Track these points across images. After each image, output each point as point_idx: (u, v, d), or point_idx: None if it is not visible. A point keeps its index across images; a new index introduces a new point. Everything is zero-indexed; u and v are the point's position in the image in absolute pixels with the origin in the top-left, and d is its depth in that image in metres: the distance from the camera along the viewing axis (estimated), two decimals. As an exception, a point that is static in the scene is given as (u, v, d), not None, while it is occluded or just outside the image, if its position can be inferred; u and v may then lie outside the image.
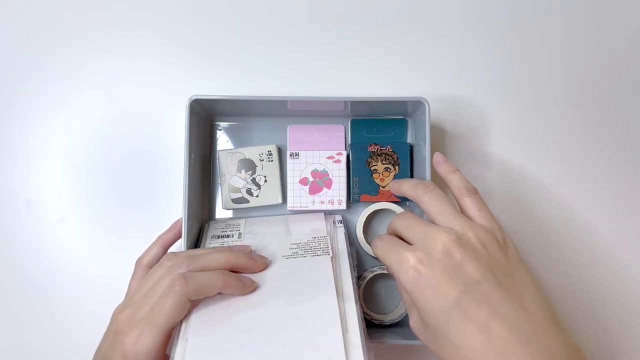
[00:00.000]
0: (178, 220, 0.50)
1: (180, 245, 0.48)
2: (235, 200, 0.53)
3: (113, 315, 0.41)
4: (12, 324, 0.54)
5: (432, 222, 0.40)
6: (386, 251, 0.40)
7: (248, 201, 0.53)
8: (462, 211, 0.41)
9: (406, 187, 0.44)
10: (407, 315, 0.45)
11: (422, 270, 0.35)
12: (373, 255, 0.46)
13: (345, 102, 0.50)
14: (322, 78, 0.57)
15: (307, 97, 0.49)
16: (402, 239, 0.41)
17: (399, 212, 0.52)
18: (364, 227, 0.52)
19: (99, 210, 0.55)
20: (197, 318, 0.39)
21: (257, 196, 0.53)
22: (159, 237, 0.49)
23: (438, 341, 0.36)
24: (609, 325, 0.55)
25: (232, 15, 0.57)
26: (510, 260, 0.37)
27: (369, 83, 0.57)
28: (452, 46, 0.57)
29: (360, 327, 0.38)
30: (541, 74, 0.57)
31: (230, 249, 0.45)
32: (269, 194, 0.53)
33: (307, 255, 0.45)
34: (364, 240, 0.52)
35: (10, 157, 0.56)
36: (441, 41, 0.57)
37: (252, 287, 0.41)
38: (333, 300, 0.39)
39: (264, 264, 0.44)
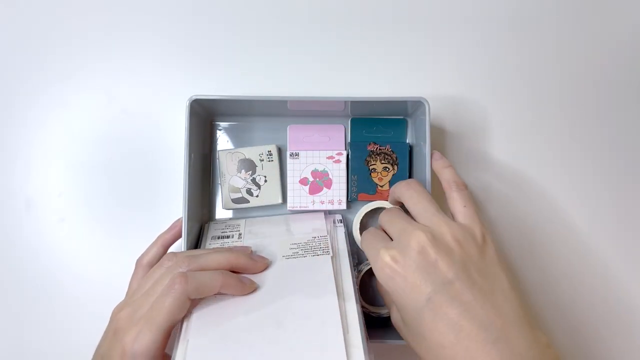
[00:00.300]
0: (178, 219, 0.50)
1: (180, 245, 0.48)
2: (235, 200, 0.53)
3: (113, 314, 0.41)
4: (12, 324, 0.54)
5: (413, 219, 0.40)
6: (367, 245, 0.41)
7: (248, 201, 0.53)
8: (449, 205, 0.41)
9: (393, 188, 0.45)
10: None
11: (396, 268, 0.36)
12: None
13: (345, 102, 0.50)
14: (322, 78, 0.57)
15: (307, 97, 0.49)
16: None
17: None
18: (361, 225, 0.52)
19: (99, 210, 0.55)
20: (198, 319, 0.39)
21: (257, 196, 0.53)
22: (159, 237, 0.50)
23: (413, 337, 0.37)
24: (613, 328, 0.55)
25: (232, 15, 0.57)
26: (486, 259, 0.37)
27: (369, 83, 0.57)
28: (452, 46, 0.57)
29: (360, 327, 0.38)
30: (541, 74, 0.57)
31: (231, 249, 0.45)
32: (269, 194, 0.53)
33: (307, 255, 0.45)
34: (359, 238, 0.51)
35: (10, 157, 0.56)
36: (441, 41, 0.57)
37: (252, 288, 0.41)
38: (333, 300, 0.39)
39: (265, 265, 0.44)
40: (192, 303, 0.39)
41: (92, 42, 0.57)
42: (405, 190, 0.42)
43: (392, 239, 0.40)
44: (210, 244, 0.49)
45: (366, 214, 0.52)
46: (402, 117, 0.55)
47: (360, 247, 0.52)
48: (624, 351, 0.55)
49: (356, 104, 0.50)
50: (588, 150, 0.57)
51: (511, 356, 0.33)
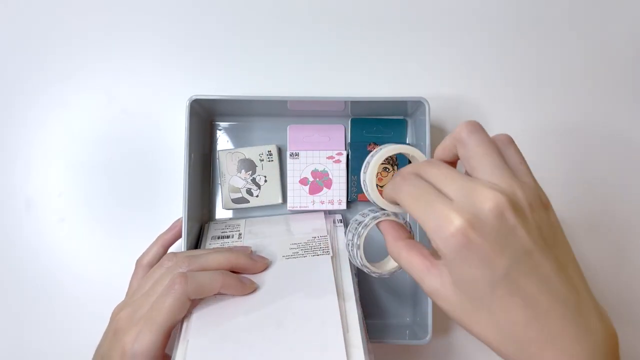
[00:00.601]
0: (178, 219, 0.50)
1: (180, 245, 0.48)
2: (235, 200, 0.53)
3: (113, 314, 0.41)
4: (12, 324, 0.54)
5: (469, 171, 0.34)
6: (418, 201, 0.32)
7: (248, 201, 0.53)
8: None
9: (458, 133, 0.34)
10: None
11: (472, 237, 0.29)
12: (381, 209, 0.40)
13: (345, 102, 0.50)
14: (322, 78, 0.57)
15: (307, 97, 0.49)
16: None
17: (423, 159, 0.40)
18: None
19: (99, 210, 0.55)
20: (198, 319, 0.39)
21: (257, 196, 0.53)
22: (159, 237, 0.50)
23: (474, 312, 0.31)
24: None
25: (232, 15, 0.57)
26: (554, 225, 0.33)
27: (369, 83, 0.57)
28: (452, 46, 0.57)
29: (360, 327, 0.38)
30: (541, 74, 0.57)
31: (231, 249, 0.45)
32: (269, 194, 0.53)
33: (307, 255, 0.45)
34: (375, 189, 0.39)
35: (10, 157, 0.56)
36: (441, 41, 0.57)
37: (252, 288, 0.41)
38: (333, 300, 0.39)
39: (265, 265, 0.44)
40: (192, 303, 0.39)
41: (92, 42, 0.57)
42: (470, 136, 0.33)
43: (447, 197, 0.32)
44: (210, 244, 0.49)
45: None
46: (402, 117, 0.55)
47: (372, 199, 0.40)
48: None
49: (356, 104, 0.50)
50: (588, 151, 0.57)
51: (586, 333, 0.30)
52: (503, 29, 0.58)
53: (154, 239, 0.50)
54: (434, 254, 0.34)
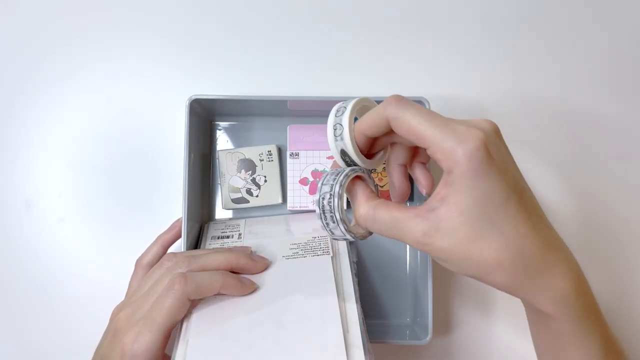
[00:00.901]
0: (178, 219, 0.50)
1: (180, 245, 0.48)
2: (235, 200, 0.53)
3: (113, 314, 0.41)
4: (12, 324, 0.54)
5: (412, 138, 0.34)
6: (431, 121, 0.32)
7: (248, 201, 0.53)
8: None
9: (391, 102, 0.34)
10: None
11: (492, 151, 0.31)
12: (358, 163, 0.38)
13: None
14: (322, 78, 0.57)
15: (307, 97, 0.49)
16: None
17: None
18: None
19: (99, 210, 0.55)
20: (198, 319, 0.39)
21: (257, 196, 0.53)
22: (158, 237, 0.50)
23: (482, 237, 0.32)
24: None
25: (232, 15, 0.57)
26: None
27: (369, 83, 0.57)
28: (452, 46, 0.57)
29: (361, 327, 0.38)
30: (541, 74, 0.57)
31: (231, 249, 0.45)
32: (269, 194, 0.53)
33: (308, 255, 0.45)
34: (351, 129, 0.37)
35: (10, 157, 0.56)
36: (441, 41, 0.57)
37: (252, 288, 0.41)
38: (334, 300, 0.39)
39: (265, 265, 0.44)
40: (192, 303, 0.39)
41: (92, 42, 0.57)
42: (405, 112, 0.33)
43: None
44: (210, 244, 0.49)
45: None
46: (402, 117, 0.54)
47: (357, 155, 0.38)
48: None
49: (356, 104, 0.50)
50: (588, 151, 0.57)
51: (564, 243, 0.35)
52: (504, 28, 0.58)
53: (154, 239, 0.50)
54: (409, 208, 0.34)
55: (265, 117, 0.55)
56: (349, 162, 0.38)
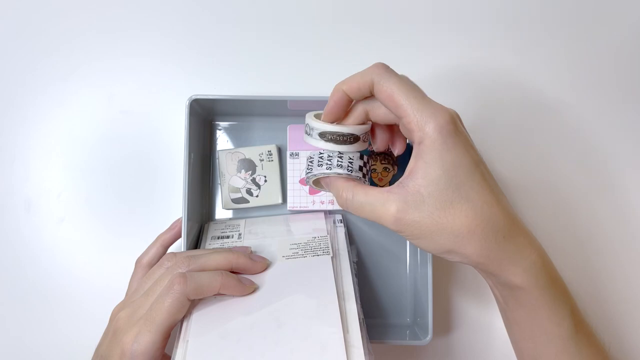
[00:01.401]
0: (178, 219, 0.50)
1: (180, 245, 0.48)
2: (235, 201, 0.53)
3: (112, 314, 0.41)
4: (12, 324, 0.54)
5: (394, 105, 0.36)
6: (411, 92, 0.35)
7: (248, 201, 0.53)
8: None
9: (372, 72, 0.37)
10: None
11: (459, 126, 0.35)
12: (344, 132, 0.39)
13: (345, 102, 0.50)
14: (322, 78, 0.57)
15: (307, 97, 0.49)
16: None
17: None
18: None
19: (98, 210, 0.55)
20: (198, 319, 0.39)
21: (257, 196, 0.53)
22: (158, 237, 0.50)
23: (451, 205, 0.34)
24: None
25: (232, 15, 0.57)
26: None
27: (369, 83, 0.57)
28: (452, 46, 0.57)
29: (361, 327, 0.38)
30: (541, 73, 0.57)
31: (231, 250, 0.45)
32: (269, 194, 0.53)
33: (307, 255, 0.45)
34: (311, 116, 0.41)
35: (10, 157, 0.56)
36: (441, 41, 0.57)
37: (252, 289, 0.41)
38: (334, 300, 0.39)
39: (264, 265, 0.44)
40: (192, 304, 0.39)
41: (92, 42, 0.57)
42: (389, 77, 0.36)
43: None
44: (210, 244, 0.49)
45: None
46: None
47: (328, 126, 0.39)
48: None
49: (356, 103, 0.50)
50: (588, 150, 0.57)
51: (518, 216, 0.37)
52: (503, 28, 0.58)
53: (154, 239, 0.50)
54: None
55: (265, 117, 0.55)
56: (333, 138, 0.39)
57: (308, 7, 0.57)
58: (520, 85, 0.57)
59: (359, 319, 0.38)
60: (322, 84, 0.57)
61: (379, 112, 0.39)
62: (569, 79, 0.57)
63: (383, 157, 0.52)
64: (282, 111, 0.53)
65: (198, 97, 0.48)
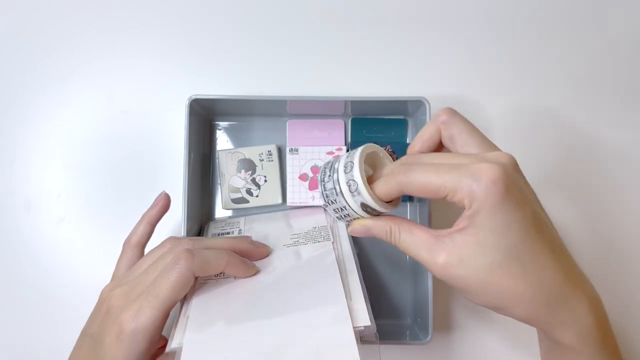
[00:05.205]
0: (161, 194, 0.47)
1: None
2: (235, 200, 0.53)
3: (103, 293, 0.40)
4: (12, 324, 0.54)
5: (453, 147, 0.37)
6: (440, 169, 0.33)
7: (248, 201, 0.53)
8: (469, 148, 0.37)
9: (442, 115, 0.38)
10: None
11: (508, 184, 0.32)
12: (377, 210, 0.38)
13: (345, 102, 0.50)
14: (322, 78, 0.57)
15: (307, 97, 0.50)
16: None
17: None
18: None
19: (98, 210, 0.55)
20: (199, 296, 0.39)
21: (257, 196, 0.53)
22: (144, 215, 0.47)
23: (500, 267, 0.32)
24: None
25: (232, 15, 0.57)
26: None
27: (369, 83, 0.57)
28: (452, 46, 0.57)
29: (365, 295, 0.38)
30: (541, 73, 0.57)
31: (234, 236, 0.45)
32: (269, 194, 0.53)
33: (309, 242, 0.46)
34: (368, 187, 0.36)
35: (10, 157, 0.56)
36: (441, 41, 0.57)
37: (255, 271, 0.41)
38: (335, 272, 0.40)
39: (266, 251, 0.44)
40: (195, 282, 0.39)
41: (92, 42, 0.57)
42: (454, 117, 0.37)
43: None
44: None
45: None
46: (402, 117, 0.55)
47: (372, 200, 0.37)
48: None
49: (356, 104, 0.50)
50: (588, 150, 0.57)
51: (580, 270, 0.35)
52: (504, 28, 0.58)
53: (139, 218, 0.47)
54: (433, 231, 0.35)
55: (265, 117, 0.55)
56: (371, 212, 0.38)
57: (309, 8, 0.57)
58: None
59: (363, 290, 0.38)
60: (323, 84, 0.57)
61: (414, 189, 0.35)
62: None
63: (383, 157, 0.52)
64: (282, 111, 0.53)
65: (198, 97, 0.48)
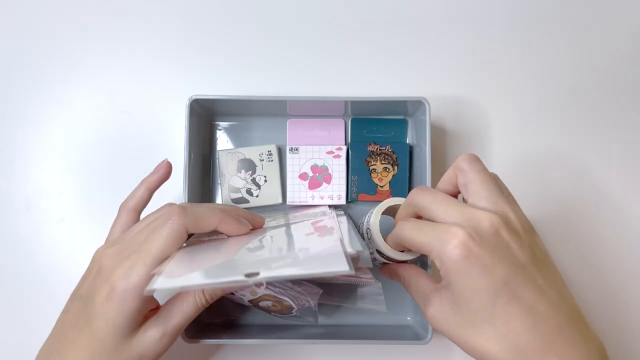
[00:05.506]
0: (163, 161, 0.46)
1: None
2: (235, 201, 0.53)
3: (94, 255, 0.39)
4: (12, 324, 0.54)
5: (465, 196, 0.37)
6: (421, 230, 0.36)
7: (248, 201, 0.53)
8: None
9: (459, 163, 0.38)
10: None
11: (472, 248, 0.32)
12: (391, 257, 0.42)
13: (346, 102, 0.50)
14: (322, 78, 0.57)
15: (307, 97, 0.50)
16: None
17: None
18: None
19: (98, 210, 0.55)
20: (187, 247, 0.39)
21: (257, 196, 0.53)
22: (143, 180, 0.46)
23: (472, 327, 0.33)
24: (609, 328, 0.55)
25: (232, 16, 0.57)
26: (541, 247, 0.36)
27: (369, 83, 0.57)
28: (452, 46, 0.57)
29: (357, 234, 0.40)
30: (542, 73, 0.57)
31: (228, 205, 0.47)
32: (269, 194, 0.53)
33: (310, 219, 0.47)
34: (380, 235, 0.42)
35: (10, 157, 0.56)
36: (441, 41, 0.57)
37: (248, 229, 0.41)
38: (331, 217, 0.42)
39: (261, 221, 0.44)
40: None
41: (92, 42, 0.57)
42: (470, 165, 0.37)
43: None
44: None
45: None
46: (402, 117, 0.55)
47: (382, 250, 0.42)
48: None
49: (356, 104, 0.51)
50: (589, 150, 0.57)
51: (580, 339, 0.33)
52: (504, 28, 0.58)
53: (139, 183, 0.46)
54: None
55: (265, 117, 0.55)
56: (386, 258, 0.43)
57: (309, 8, 0.58)
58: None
59: (356, 234, 0.40)
60: (323, 84, 0.57)
61: (405, 244, 0.39)
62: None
63: (383, 157, 0.53)
64: (282, 111, 0.53)
65: (198, 97, 0.48)
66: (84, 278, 0.39)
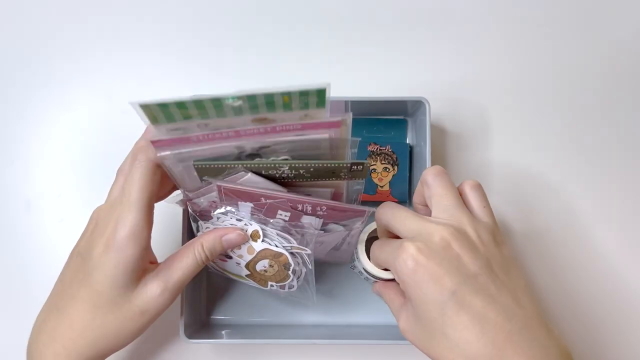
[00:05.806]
0: None
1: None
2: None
3: (93, 214, 0.40)
4: (12, 325, 0.54)
5: (430, 209, 0.38)
6: (381, 247, 0.39)
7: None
8: (465, 203, 0.39)
9: (424, 176, 0.39)
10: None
11: (420, 260, 0.34)
12: (376, 275, 0.43)
13: (345, 102, 0.50)
14: (322, 78, 0.57)
15: (307, 97, 0.49)
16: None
17: None
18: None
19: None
20: None
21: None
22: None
23: (431, 338, 0.35)
24: (602, 331, 0.55)
25: (233, 16, 0.57)
26: (505, 258, 0.37)
27: (369, 83, 0.57)
28: (453, 46, 0.57)
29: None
30: (542, 73, 0.57)
31: None
32: (269, 194, 0.53)
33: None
34: (368, 263, 0.44)
35: (9, 158, 0.56)
36: (441, 41, 0.57)
37: None
38: None
39: None
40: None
41: (93, 42, 0.57)
42: (434, 179, 0.38)
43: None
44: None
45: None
46: (402, 117, 0.55)
47: (368, 266, 0.43)
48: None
49: (356, 103, 0.50)
50: (589, 150, 0.57)
51: (536, 346, 0.33)
52: (504, 28, 0.58)
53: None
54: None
55: (265, 117, 0.55)
56: (372, 276, 0.44)
57: (309, 8, 0.57)
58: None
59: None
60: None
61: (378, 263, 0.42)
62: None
63: (383, 157, 0.53)
64: (282, 111, 0.53)
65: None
66: (82, 236, 0.40)
